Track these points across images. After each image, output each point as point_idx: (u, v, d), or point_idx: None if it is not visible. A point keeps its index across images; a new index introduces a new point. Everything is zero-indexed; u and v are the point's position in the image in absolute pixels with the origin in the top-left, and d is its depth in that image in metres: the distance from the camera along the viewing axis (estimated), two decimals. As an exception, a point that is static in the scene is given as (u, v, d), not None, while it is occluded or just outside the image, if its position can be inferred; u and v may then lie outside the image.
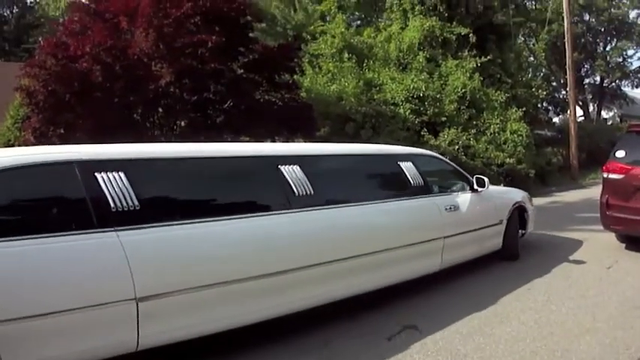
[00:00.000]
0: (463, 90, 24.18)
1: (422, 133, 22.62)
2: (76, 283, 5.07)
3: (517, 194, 11.98)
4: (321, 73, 24.87)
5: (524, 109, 26.50)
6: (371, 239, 7.70)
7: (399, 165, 8.88)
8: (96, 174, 5.47)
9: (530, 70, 35.35)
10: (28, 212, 5.21)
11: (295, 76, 20.87)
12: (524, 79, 30.55)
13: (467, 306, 8.14)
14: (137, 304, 5.27)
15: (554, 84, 48.84)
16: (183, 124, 18.99)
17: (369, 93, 23.57)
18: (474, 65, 25.11)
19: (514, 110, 25.61)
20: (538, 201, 19.94)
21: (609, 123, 52.96)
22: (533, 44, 39.57)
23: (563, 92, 45.91)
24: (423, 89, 23.40)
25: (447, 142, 22.37)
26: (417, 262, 8.55)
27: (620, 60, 51.75)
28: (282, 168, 7.03)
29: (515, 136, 24.55)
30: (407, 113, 22.80)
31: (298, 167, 7.17)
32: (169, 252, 5.68)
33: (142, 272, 5.34)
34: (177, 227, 5.82)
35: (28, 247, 4.87)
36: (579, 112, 47.88)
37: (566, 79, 35.02)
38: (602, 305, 8.16)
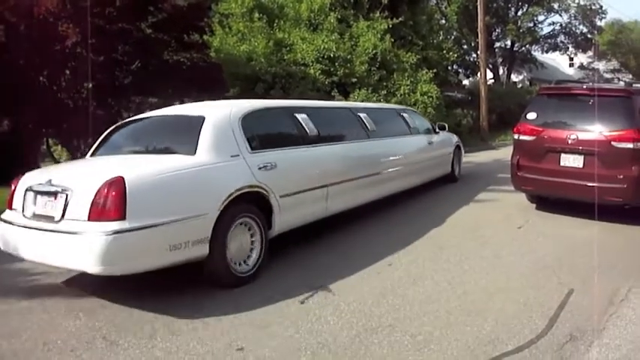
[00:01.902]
0: (374, 51, 24.07)
1: (332, 93, 22.42)
2: (305, 175, 8.98)
3: (455, 137, 16.81)
4: (231, 33, 24.39)
5: (434, 71, 26.62)
6: (399, 157, 12.23)
7: (402, 115, 13.89)
8: (295, 114, 9.52)
9: (442, 32, 35.40)
10: (266, 136, 8.76)
11: (205, 36, 20.52)
12: (435, 41, 30.68)
13: (380, 267, 8.06)
14: (327, 189, 9.28)
15: (465, 47, 49.30)
16: (90, 85, 18.46)
17: (279, 53, 23.25)
18: (386, 27, 24.99)
19: (425, 72, 25.67)
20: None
21: (519, 86, 53.69)
22: (446, 7, 39.74)
23: (474, 55, 46.40)
24: (334, 50, 23.18)
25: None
26: (417, 175, 13.31)
27: (531, 25, 52.55)
28: (360, 115, 11.57)
29: (426, 97, 24.63)
30: (317, 74, 22.58)
31: (366, 114, 11.69)
32: (329, 159, 9.71)
33: (325, 169, 9.41)
34: (331, 145, 9.96)
35: (276, 154, 8.42)
36: (490, 75, 48.54)
37: (477, 42, 35.41)
38: (514, 265, 8.15)
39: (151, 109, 19.51)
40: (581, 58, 66.03)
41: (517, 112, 17.13)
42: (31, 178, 7.50)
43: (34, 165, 22.28)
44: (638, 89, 11.68)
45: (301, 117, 9.43)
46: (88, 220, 6.32)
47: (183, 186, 6.92)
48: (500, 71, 56.72)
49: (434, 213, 11.81)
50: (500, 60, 56.16)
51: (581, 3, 55.50)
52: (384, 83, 24.44)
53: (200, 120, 7.90)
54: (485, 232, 10.17)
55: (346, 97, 22.53)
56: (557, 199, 11.96)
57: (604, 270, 7.76)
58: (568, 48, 59.52)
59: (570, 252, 8.82)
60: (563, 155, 11.00)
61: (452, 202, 13.05)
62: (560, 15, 56.01)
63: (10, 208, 7.57)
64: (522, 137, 11.77)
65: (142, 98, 19.82)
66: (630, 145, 10.31)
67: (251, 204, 7.68)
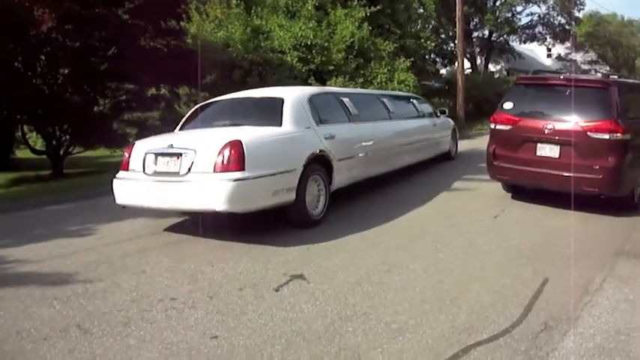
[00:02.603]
0: (351, 39, 24.08)
1: (309, 81, 22.39)
2: (352, 145, 11.37)
3: (452, 121, 19.06)
4: (208, 19, 24.33)
5: (412, 59, 26.70)
6: (412, 136, 14.67)
7: (412, 101, 16.67)
8: (341, 98, 12.06)
9: (420, 21, 35.50)
10: (325, 113, 11.01)
11: (182, 23, 20.40)
12: (413, 30, 30.79)
13: (355, 255, 8.05)
14: (367, 157, 11.80)
15: (443, 36, 49.33)
16: (67, 72, 18.33)
17: (256, 40, 23.20)
18: (364, 15, 25.02)
19: (402, 60, 25.73)
20: None
21: (496, 76, 53.84)
22: (424, -4, 39.78)
23: (452, 45, 46.38)
24: (311, 37, 23.17)
25: (334, 90, 22.24)
26: (424, 152, 15.56)
27: (509, 15, 52.70)
28: (384, 100, 14.20)
29: (403, 85, 24.70)
30: (294, 61, 22.57)
31: (387, 100, 14.32)
32: (366, 133, 12.09)
33: (364, 141, 11.79)
34: (366, 123, 12.34)
35: (333, 127, 10.86)
36: (467, 64, 48.59)
37: (455, 31, 35.35)
38: (489, 253, 8.17)
39: (127, 96, 19.57)
40: (559, 49, 66.57)
41: (494, 102, 17.19)
42: (146, 145, 9.61)
43: (9, 151, 22.23)
44: (614, 80, 11.74)
45: (345, 100, 12.02)
46: (214, 172, 8.47)
47: (279, 148, 9.52)
48: (478, 61, 56.83)
49: (409, 202, 11.79)
50: (477, 50, 56.30)
51: (560, -6, 55.82)
52: (361, 71, 24.47)
53: (280, 100, 10.44)
54: (460, 221, 10.18)
55: (323, 84, 22.47)
56: (533, 189, 11.99)
57: (579, 259, 7.78)
58: (546, 39, 59.85)
59: (546, 241, 8.87)
60: (539, 145, 11.02)
61: (428, 190, 13.09)
62: (539, 6, 56.31)
63: (126, 169, 9.57)
64: (499, 127, 11.79)
65: (117, 84, 19.70)
66: (606, 136, 10.36)
67: (319, 164, 10.04)
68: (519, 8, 54.59)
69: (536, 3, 55.46)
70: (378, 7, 25.70)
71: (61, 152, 19.25)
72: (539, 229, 9.66)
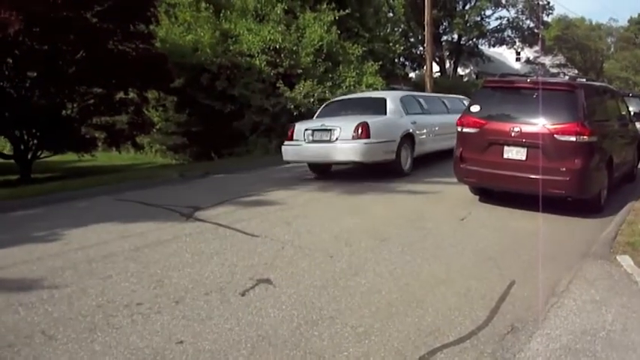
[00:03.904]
0: (320, 43, 24.06)
1: (277, 85, 22.35)
2: (426, 128, 17.31)
3: None
4: (177, 23, 24.27)
5: (380, 63, 26.75)
6: (448, 127, 16.40)
7: (462, 101, 20.79)
8: (418, 98, 18.38)
9: (389, 25, 35.49)
10: (410, 108, 17.21)
11: (151, 26, 20.33)
12: (382, 33, 30.81)
13: (321, 258, 8.02)
14: (433, 137, 17.68)
15: (412, 40, 49.64)
16: (34, 75, 18.20)
17: (225, 44, 23.16)
18: (332, 18, 25.01)
19: (370, 64, 25.74)
20: None
21: (465, 80, 54.17)
22: (393, 0, 39.81)
23: (421, 48, 46.67)
24: (280, 41, 23.14)
25: (302, 94, 22.29)
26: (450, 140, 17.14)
27: (478, 19, 53.10)
28: (444, 100, 20.22)
29: (371, 89, 24.60)
30: (263, 65, 22.55)
31: (446, 99, 20.39)
32: (433, 121, 17.90)
33: (431, 126, 17.74)
34: (434, 115, 18.25)
35: (415, 117, 16.89)
36: (436, 68, 48.95)
37: (424, 35, 35.42)
38: (456, 256, 8.19)
39: (96, 100, 19.47)
40: (528, 53, 67.09)
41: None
42: (303, 125, 16.16)
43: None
44: (581, 83, 11.84)
45: (421, 99, 18.37)
46: (352, 139, 14.71)
47: (386, 127, 15.52)
48: (447, 64, 57.19)
49: (377, 204, 11.87)
50: (447, 53, 56.66)
51: (529, -2, 56.30)
52: (330, 75, 24.46)
53: (384, 99, 16.79)
54: (427, 224, 10.20)
55: (291, 88, 22.45)
56: (500, 191, 12.06)
57: (546, 261, 7.83)
58: (515, 42, 60.42)
59: (512, 243, 8.91)
60: (506, 148, 11.08)
61: (393, 193, 13.23)
62: (508, 10, 57.06)
63: (291, 139, 16.04)
64: (465, 129, 11.83)
65: (86, 88, 19.59)
66: (573, 138, 10.43)
67: (407, 139, 16.03)
68: (488, 12, 55.29)
69: (505, 7, 56.02)
70: (346, 10, 25.69)
71: (29, 156, 19.13)
72: (505, 232, 9.70)
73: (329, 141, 14.97)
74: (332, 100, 19.83)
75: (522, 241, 9.04)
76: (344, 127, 14.94)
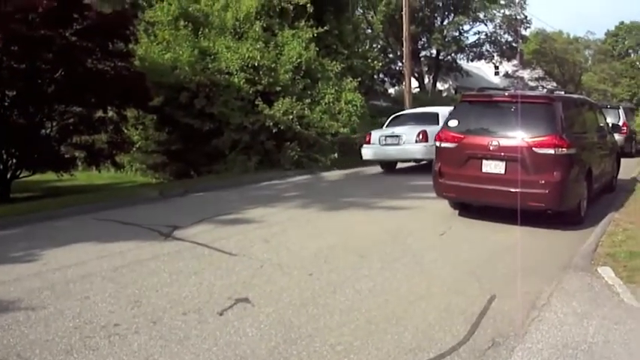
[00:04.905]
0: (298, 60, 23.97)
1: (256, 102, 22.27)
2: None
3: None
4: (156, 41, 24.16)
5: (359, 79, 26.66)
6: None
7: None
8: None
9: (368, 41, 35.64)
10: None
11: (130, 45, 20.25)
12: (360, 50, 30.78)
13: (299, 276, 7.97)
14: None
15: (390, 56, 49.82)
16: (13, 94, 18.11)
17: (203, 62, 23.04)
18: (311, 35, 24.92)
19: (349, 80, 25.69)
20: (372, 170, 20.87)
21: (444, 94, 54.44)
22: (372, 16, 39.92)
23: (400, 64, 46.72)
24: (258, 59, 23.02)
25: (281, 111, 22.16)
26: None
27: (457, 34, 53.40)
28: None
29: (350, 106, 24.66)
30: (241, 83, 22.43)
31: None
32: None
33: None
34: None
35: None
36: (415, 83, 49.01)
37: (403, 51, 35.55)
38: (436, 271, 8.17)
39: (75, 119, 19.38)
40: (507, 67, 67.38)
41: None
42: (377, 133, 21.22)
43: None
44: (559, 96, 11.92)
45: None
46: (415, 143, 19.78)
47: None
48: (426, 80, 57.41)
49: (357, 220, 11.85)
50: (425, 69, 56.87)
51: (507, 13, 56.65)
52: (309, 92, 24.37)
53: (436, 113, 20.92)
54: (407, 239, 10.19)
55: (270, 105, 22.39)
56: (480, 206, 12.10)
57: (526, 275, 7.82)
58: (493, 57, 60.61)
59: (492, 257, 8.91)
60: (484, 162, 11.11)
61: (373, 209, 13.23)
62: (486, 24, 57.02)
63: (369, 143, 21.05)
64: (444, 144, 11.85)
65: (65, 107, 19.49)
66: (551, 151, 10.46)
67: None
68: (467, 27, 55.47)
69: (483, 22, 56.15)
70: (325, 27, 25.60)
71: (8, 176, 18.99)
72: (485, 246, 9.70)
73: (398, 144, 20.37)
74: (397, 113, 24.56)
75: (502, 254, 9.06)
76: (409, 133, 20.16)
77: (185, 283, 7.71)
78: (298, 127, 22.66)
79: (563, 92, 14.29)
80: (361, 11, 42.75)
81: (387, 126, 22.87)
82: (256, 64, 22.95)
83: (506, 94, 12.34)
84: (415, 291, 7.26)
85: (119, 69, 19.23)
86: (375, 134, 21.24)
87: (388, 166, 21.76)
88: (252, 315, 6.49)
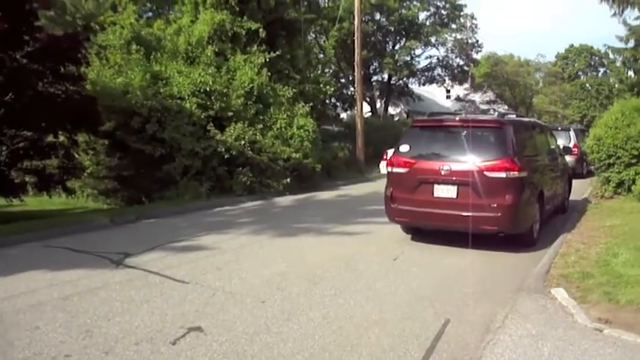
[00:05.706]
0: (250, 85, 23.96)
1: (208, 127, 22.14)
2: None
3: None
4: (108, 65, 23.97)
5: (311, 104, 26.80)
6: None
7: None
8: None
9: (320, 66, 35.73)
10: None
11: (81, 68, 20.04)
12: (312, 75, 30.84)
13: (252, 304, 7.90)
14: None
15: (342, 80, 50.00)
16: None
17: (155, 86, 22.87)
18: (263, 60, 24.99)
19: (301, 106, 25.77)
20: (325, 195, 20.54)
21: (396, 119, 54.70)
22: (324, 41, 40.09)
23: (352, 89, 46.84)
24: (210, 83, 22.96)
25: (233, 137, 22.04)
26: None
27: (408, 58, 53.62)
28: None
29: (302, 131, 24.65)
30: (193, 107, 22.32)
31: None
32: None
33: None
34: None
35: None
36: (367, 108, 49.29)
37: (355, 75, 35.72)
38: (389, 297, 8.14)
39: (25, 143, 19.15)
40: (458, 90, 67.92)
41: (393, 145, 18.04)
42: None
43: None
44: (509, 119, 12.02)
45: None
46: None
47: None
48: (378, 104, 57.59)
49: (309, 247, 11.83)
50: (377, 93, 57.05)
51: (458, 37, 57.23)
52: (261, 117, 24.33)
53: None
54: (359, 265, 10.14)
55: (222, 131, 22.30)
56: (432, 230, 12.08)
57: (480, 297, 7.88)
58: (445, 80, 61.00)
59: (446, 281, 8.92)
60: (436, 186, 11.17)
61: (325, 235, 13.18)
62: (437, 48, 57.47)
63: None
64: (395, 169, 11.89)
65: (15, 131, 19.24)
66: (503, 175, 10.55)
67: None
68: (418, 51, 55.82)
69: (434, 46, 56.62)
70: (277, 52, 25.72)
71: (-44, 202, 18.71)
72: (439, 270, 9.70)
73: None
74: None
75: (456, 278, 9.08)
76: None
77: (137, 311, 7.58)
78: (250, 152, 22.38)
79: (514, 115, 14.43)
80: (313, 36, 43.02)
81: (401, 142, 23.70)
82: (208, 89, 22.87)
83: (457, 118, 12.37)
84: (369, 317, 7.22)
85: (70, 93, 19.01)
86: (390, 151, 21.14)
87: None
88: (205, 344, 6.40)
